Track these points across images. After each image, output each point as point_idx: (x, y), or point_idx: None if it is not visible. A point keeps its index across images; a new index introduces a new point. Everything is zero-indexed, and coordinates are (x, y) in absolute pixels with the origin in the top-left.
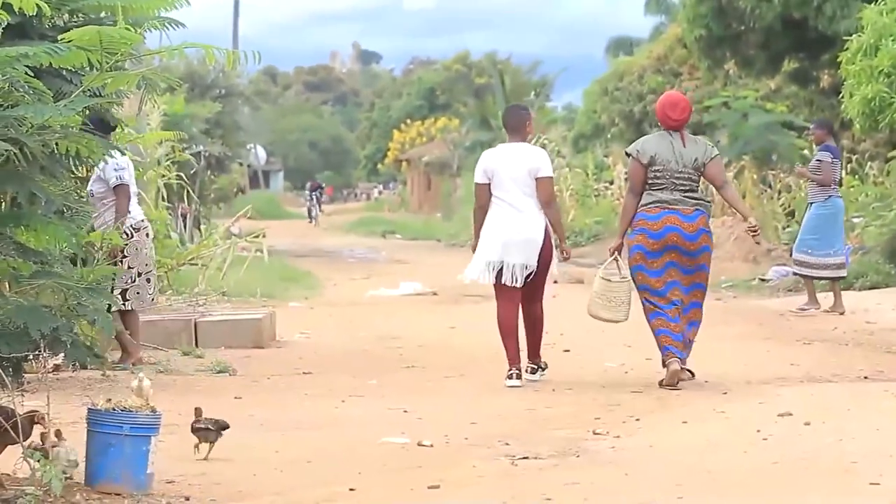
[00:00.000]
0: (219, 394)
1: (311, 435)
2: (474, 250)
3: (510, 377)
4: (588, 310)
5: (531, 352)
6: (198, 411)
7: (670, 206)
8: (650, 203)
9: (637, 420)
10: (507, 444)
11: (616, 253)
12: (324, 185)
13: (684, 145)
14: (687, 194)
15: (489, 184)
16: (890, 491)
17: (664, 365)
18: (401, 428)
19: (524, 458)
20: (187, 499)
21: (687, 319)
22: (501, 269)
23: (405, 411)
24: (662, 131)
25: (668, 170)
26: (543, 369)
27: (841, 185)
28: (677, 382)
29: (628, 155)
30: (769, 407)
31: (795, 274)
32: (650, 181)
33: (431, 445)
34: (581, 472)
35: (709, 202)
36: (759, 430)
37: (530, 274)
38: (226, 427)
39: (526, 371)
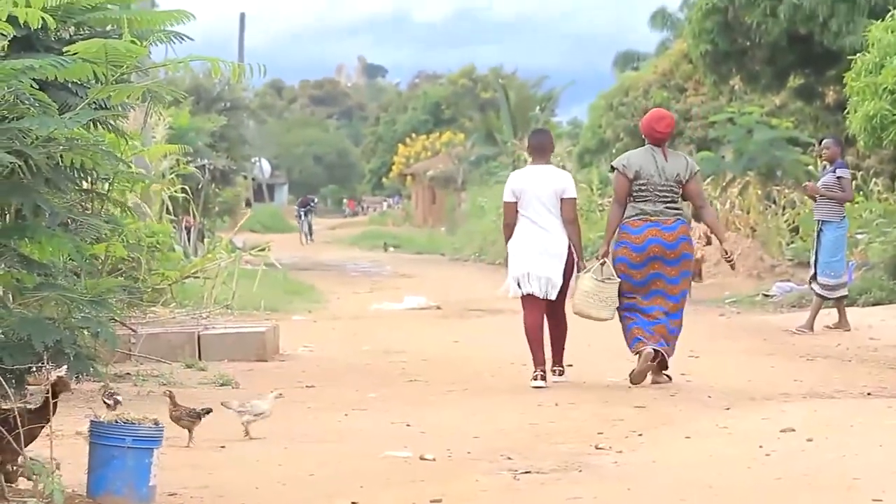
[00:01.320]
0: (221, 407)
1: (314, 448)
2: (507, 262)
3: (535, 378)
4: (574, 308)
5: (556, 358)
6: (171, 397)
7: (652, 219)
8: (633, 216)
9: (640, 435)
10: (510, 458)
11: (603, 259)
12: (315, 199)
13: (666, 160)
14: (668, 206)
15: (517, 202)
16: None
17: (636, 353)
18: (403, 442)
19: (526, 472)
20: None
21: (667, 327)
22: (529, 280)
23: (408, 425)
24: (646, 146)
25: (651, 183)
26: (563, 372)
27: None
28: (645, 377)
29: (614, 169)
30: (772, 423)
31: (819, 296)
32: (634, 193)
33: (434, 459)
34: (583, 486)
35: (686, 214)
36: (761, 446)
37: (554, 286)
38: (203, 413)
39: (553, 374)
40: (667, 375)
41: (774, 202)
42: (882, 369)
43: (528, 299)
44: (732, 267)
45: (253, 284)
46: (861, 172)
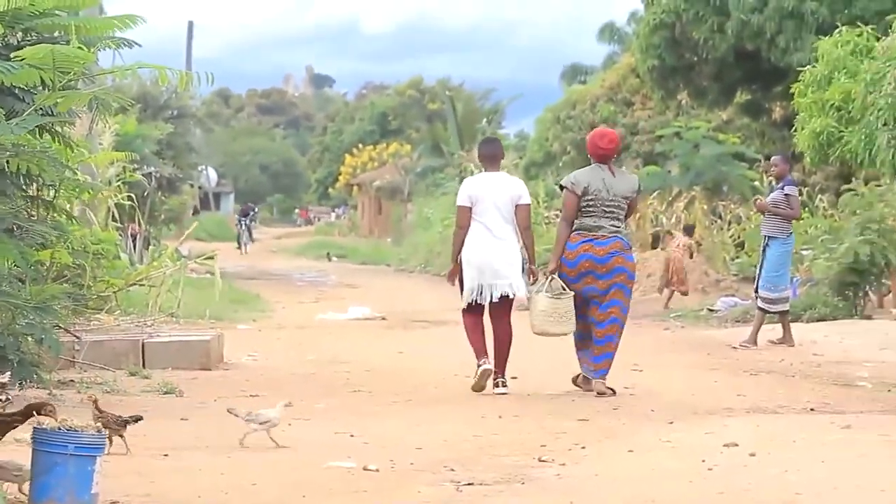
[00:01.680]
0: (165, 415)
1: (257, 458)
2: (453, 262)
3: (481, 364)
4: (534, 329)
5: (499, 369)
6: (95, 402)
7: (589, 234)
8: (574, 231)
9: (583, 448)
10: (453, 469)
11: (552, 276)
12: (257, 209)
13: (613, 176)
14: (612, 222)
15: (472, 207)
16: None
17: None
18: (347, 452)
19: (469, 484)
20: None
21: (604, 333)
22: (483, 287)
23: (352, 435)
24: (593, 165)
25: (599, 199)
26: (506, 384)
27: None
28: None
29: (562, 188)
30: (715, 437)
31: (760, 309)
32: (581, 209)
33: (377, 470)
34: (526, 498)
35: (627, 233)
36: (704, 460)
37: (509, 289)
38: (131, 421)
39: (495, 386)
40: (611, 389)
41: (720, 217)
42: (825, 385)
43: (471, 306)
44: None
45: (198, 293)
46: (807, 189)
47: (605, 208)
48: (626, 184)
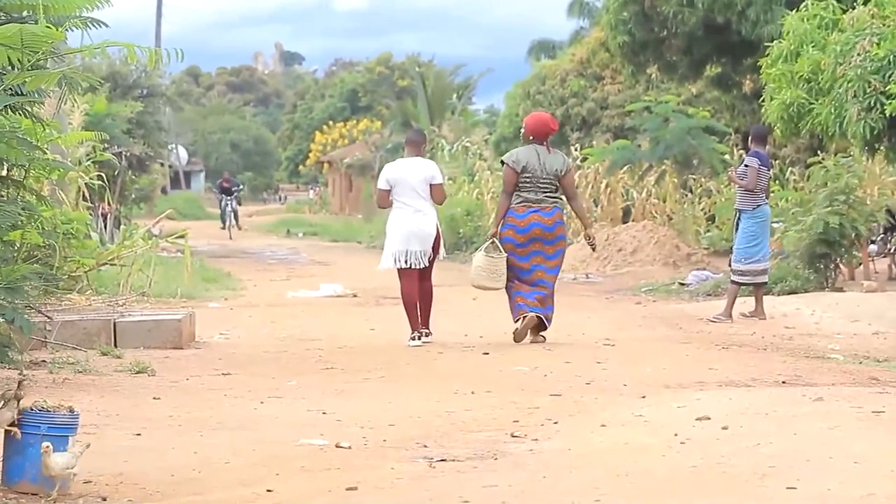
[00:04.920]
0: (137, 394)
1: (230, 436)
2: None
3: (413, 339)
4: (472, 282)
5: (423, 319)
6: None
7: (534, 205)
8: (519, 202)
9: (555, 423)
10: (426, 446)
11: (493, 239)
12: (241, 185)
13: (548, 154)
14: (548, 194)
15: (390, 190)
16: (807, 496)
17: (518, 321)
18: (319, 429)
19: (442, 460)
20: (104, 499)
21: (545, 295)
22: (406, 256)
23: (324, 413)
24: (530, 144)
25: (535, 176)
26: (430, 334)
27: (768, 195)
28: (526, 335)
29: (503, 163)
30: (687, 411)
31: (733, 282)
32: (520, 184)
33: (349, 447)
34: (499, 474)
35: (561, 198)
36: (676, 434)
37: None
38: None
39: (420, 336)
40: (542, 336)
41: (691, 191)
42: (797, 358)
43: (404, 272)
44: (593, 249)
45: (171, 272)
46: (778, 161)
47: (541, 184)
48: (557, 162)
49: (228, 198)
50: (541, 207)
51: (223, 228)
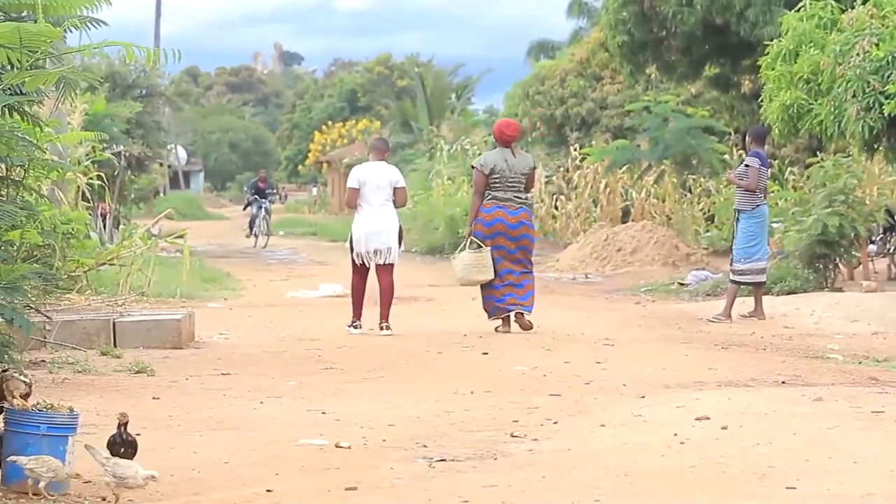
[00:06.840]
0: (137, 394)
1: (229, 436)
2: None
3: (353, 326)
4: (460, 281)
5: (383, 314)
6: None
7: (500, 203)
8: (488, 199)
9: (555, 423)
10: (425, 446)
11: (469, 237)
12: (277, 187)
13: (514, 157)
14: (516, 195)
15: (359, 189)
16: (806, 496)
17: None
18: (319, 429)
19: (441, 460)
20: (104, 499)
21: (520, 280)
22: (372, 256)
23: (323, 413)
24: (498, 148)
25: (503, 176)
26: (389, 328)
27: (766, 195)
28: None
29: (473, 167)
30: (687, 411)
31: (732, 282)
32: (490, 184)
33: (349, 447)
34: (499, 474)
35: (530, 202)
36: (676, 434)
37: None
38: None
39: (381, 329)
40: (529, 321)
41: (690, 191)
42: (796, 358)
43: (357, 267)
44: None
45: (170, 272)
46: (777, 161)
47: (509, 184)
48: (524, 163)
49: (262, 200)
50: (507, 206)
51: (248, 236)
